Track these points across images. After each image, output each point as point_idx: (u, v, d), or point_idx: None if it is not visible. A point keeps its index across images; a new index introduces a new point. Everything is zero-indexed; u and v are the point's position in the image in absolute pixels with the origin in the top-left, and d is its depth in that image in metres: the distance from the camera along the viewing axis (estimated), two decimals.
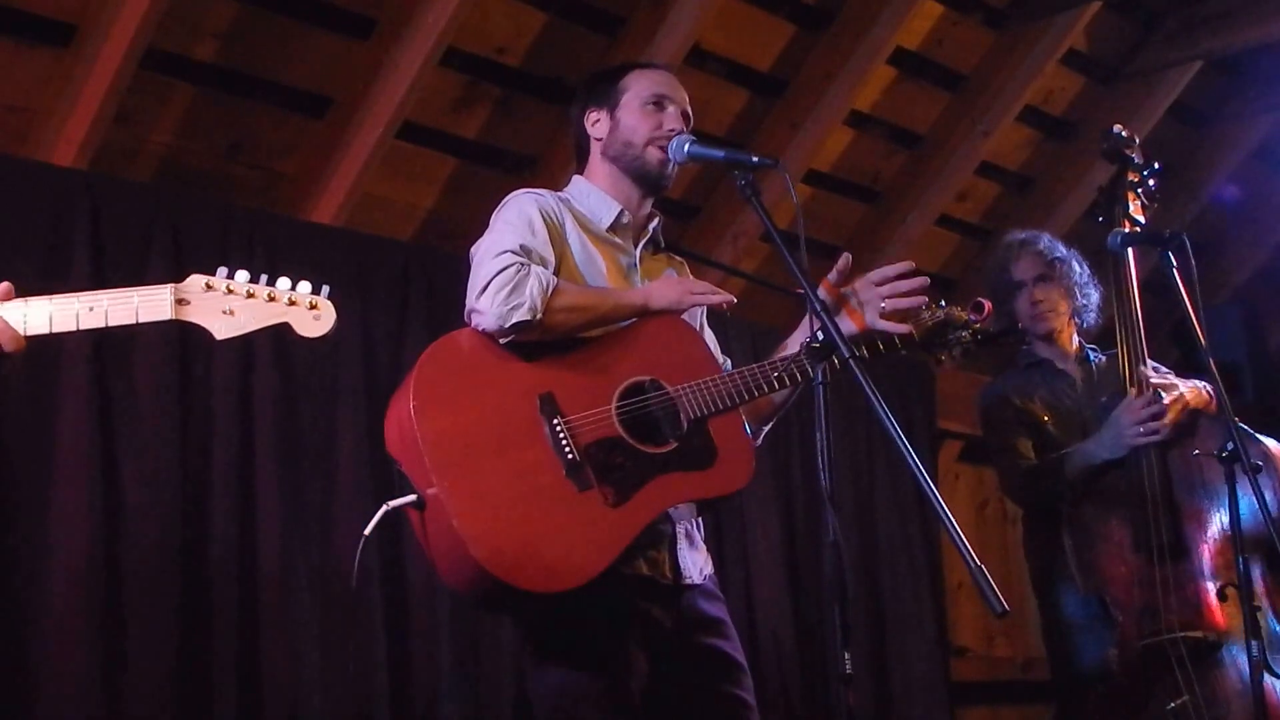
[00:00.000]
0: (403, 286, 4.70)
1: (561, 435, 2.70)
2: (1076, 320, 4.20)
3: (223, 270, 2.44)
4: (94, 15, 4.02)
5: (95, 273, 4.00)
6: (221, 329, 2.42)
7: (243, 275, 2.45)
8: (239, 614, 4.14)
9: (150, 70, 4.25)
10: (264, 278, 2.46)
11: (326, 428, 4.44)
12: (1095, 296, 4.21)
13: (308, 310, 2.47)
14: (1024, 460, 4.04)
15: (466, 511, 2.61)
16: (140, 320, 2.38)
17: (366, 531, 2.70)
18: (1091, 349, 4.21)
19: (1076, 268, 4.18)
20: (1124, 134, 4.05)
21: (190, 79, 4.40)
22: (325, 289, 2.50)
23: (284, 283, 2.47)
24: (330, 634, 4.25)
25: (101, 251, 4.06)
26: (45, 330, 2.37)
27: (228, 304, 2.42)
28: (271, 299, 2.45)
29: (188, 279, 2.43)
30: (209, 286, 2.42)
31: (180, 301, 2.39)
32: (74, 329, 2.38)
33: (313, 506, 4.35)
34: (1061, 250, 4.20)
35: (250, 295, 2.44)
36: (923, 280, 2.97)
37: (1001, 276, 4.20)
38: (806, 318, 2.72)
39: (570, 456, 2.69)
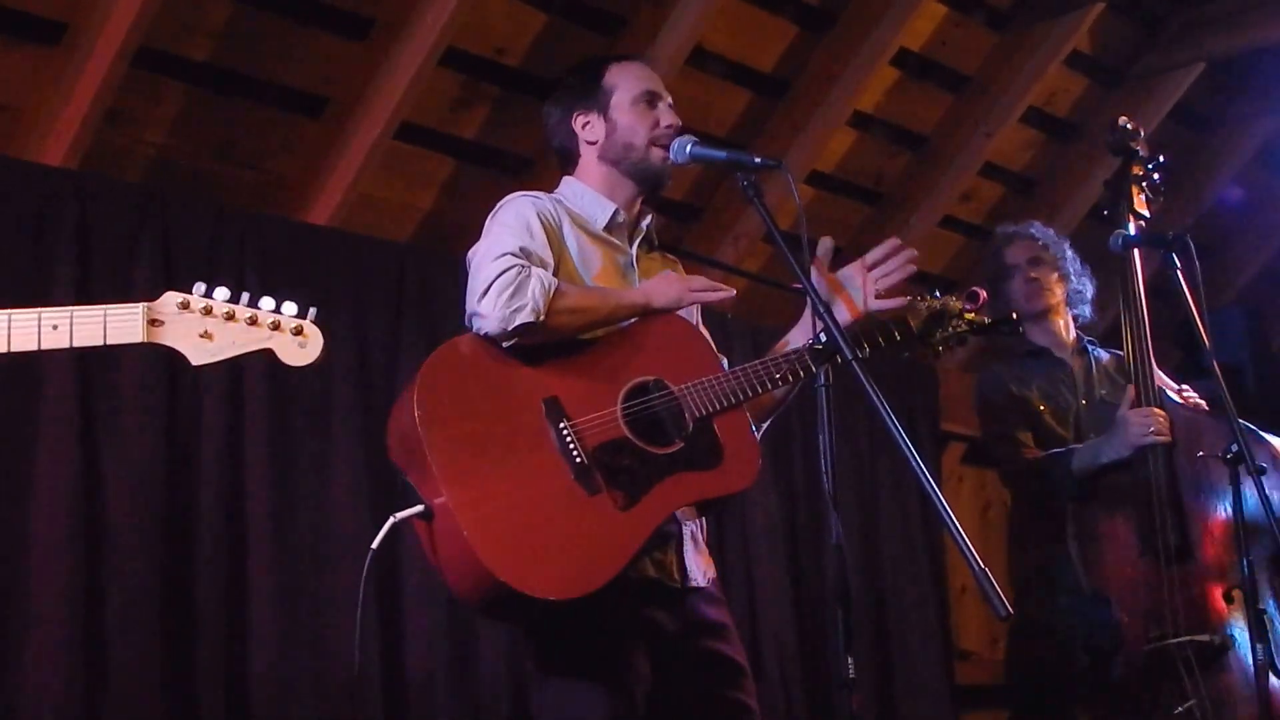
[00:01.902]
0: (399, 288, 4.65)
1: (568, 439, 2.68)
2: (1072, 309, 4.20)
3: (200, 287, 2.26)
4: (85, 13, 3.97)
5: (79, 277, 3.91)
6: (198, 354, 2.24)
7: (222, 293, 2.27)
8: (227, 622, 4.07)
9: (143, 69, 4.20)
10: (245, 296, 2.28)
11: (320, 433, 4.37)
12: (1090, 288, 4.23)
13: (292, 336, 2.31)
14: (1027, 451, 4.02)
15: (477, 520, 2.57)
16: (109, 342, 2.19)
17: (374, 545, 2.65)
18: (1090, 341, 4.20)
19: (1069, 254, 4.22)
20: (1129, 126, 4.05)
21: (184, 78, 4.35)
22: (312, 311, 2.32)
23: (267, 303, 2.29)
24: (323, 643, 4.18)
25: (87, 255, 3.97)
26: (3, 349, 2.18)
27: (205, 326, 2.24)
28: (253, 321, 2.27)
29: (162, 296, 2.25)
30: (185, 305, 2.23)
31: (154, 322, 2.22)
32: (35, 349, 2.18)
33: (306, 513, 4.28)
34: (1053, 236, 4.27)
35: (230, 317, 2.26)
36: (911, 252, 3.01)
37: (995, 264, 4.27)
38: (806, 313, 2.75)
39: (578, 460, 2.66)
